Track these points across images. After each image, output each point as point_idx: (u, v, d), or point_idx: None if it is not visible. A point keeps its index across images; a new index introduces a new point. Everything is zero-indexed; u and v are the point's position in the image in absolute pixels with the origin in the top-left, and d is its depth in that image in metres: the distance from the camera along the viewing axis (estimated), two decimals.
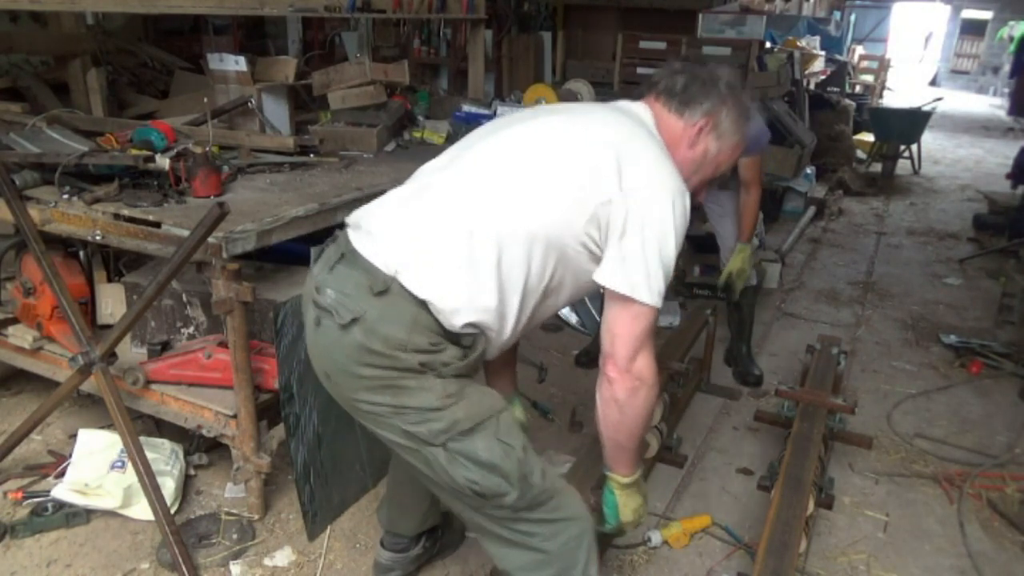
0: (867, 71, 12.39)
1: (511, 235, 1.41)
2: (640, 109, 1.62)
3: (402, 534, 2.00)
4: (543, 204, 1.43)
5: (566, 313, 3.79)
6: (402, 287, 1.39)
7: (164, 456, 2.32)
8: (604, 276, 1.44)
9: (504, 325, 1.46)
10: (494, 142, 1.54)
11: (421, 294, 1.38)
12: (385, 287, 1.38)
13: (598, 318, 3.72)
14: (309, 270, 1.56)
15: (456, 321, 1.40)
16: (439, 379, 1.42)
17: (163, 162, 2.28)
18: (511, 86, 6.41)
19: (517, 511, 1.51)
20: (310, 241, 2.66)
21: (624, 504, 1.66)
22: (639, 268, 1.41)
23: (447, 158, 1.58)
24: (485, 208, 1.43)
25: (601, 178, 1.42)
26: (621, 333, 1.44)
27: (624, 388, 1.46)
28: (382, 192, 2.54)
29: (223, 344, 2.19)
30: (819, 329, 3.92)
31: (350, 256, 1.45)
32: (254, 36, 5.29)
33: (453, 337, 1.42)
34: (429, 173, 1.57)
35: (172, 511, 2.16)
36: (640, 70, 5.92)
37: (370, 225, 1.48)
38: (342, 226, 1.56)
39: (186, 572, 1.97)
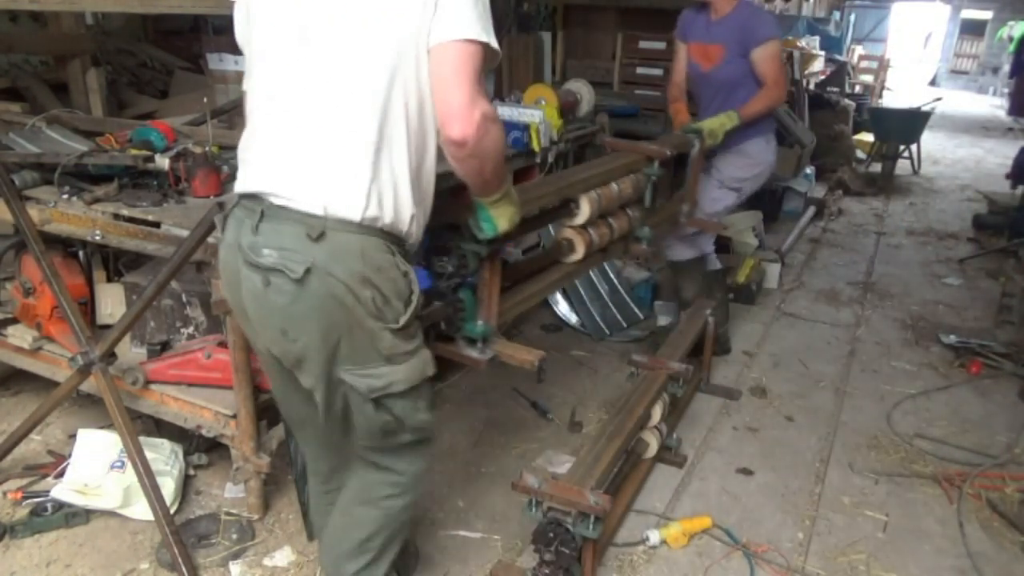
0: (867, 71, 12.41)
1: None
2: None
3: None
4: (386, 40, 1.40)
5: (566, 312, 3.78)
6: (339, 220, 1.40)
7: (164, 456, 2.32)
8: (436, 34, 1.39)
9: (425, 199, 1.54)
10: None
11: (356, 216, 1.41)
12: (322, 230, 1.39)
13: (598, 318, 3.73)
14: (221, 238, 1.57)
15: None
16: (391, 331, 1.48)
17: (163, 162, 2.28)
18: (511, 86, 6.39)
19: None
20: None
21: (499, 215, 1.65)
22: (465, 10, 1.39)
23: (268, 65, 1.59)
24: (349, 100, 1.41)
25: None
26: (460, 81, 1.39)
27: (475, 138, 1.39)
28: None
29: (223, 344, 2.19)
30: (819, 329, 3.92)
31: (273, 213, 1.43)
32: None
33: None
34: (271, 90, 1.54)
35: (172, 511, 2.16)
36: (640, 70, 5.91)
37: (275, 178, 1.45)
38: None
39: (185, 572, 1.97)
